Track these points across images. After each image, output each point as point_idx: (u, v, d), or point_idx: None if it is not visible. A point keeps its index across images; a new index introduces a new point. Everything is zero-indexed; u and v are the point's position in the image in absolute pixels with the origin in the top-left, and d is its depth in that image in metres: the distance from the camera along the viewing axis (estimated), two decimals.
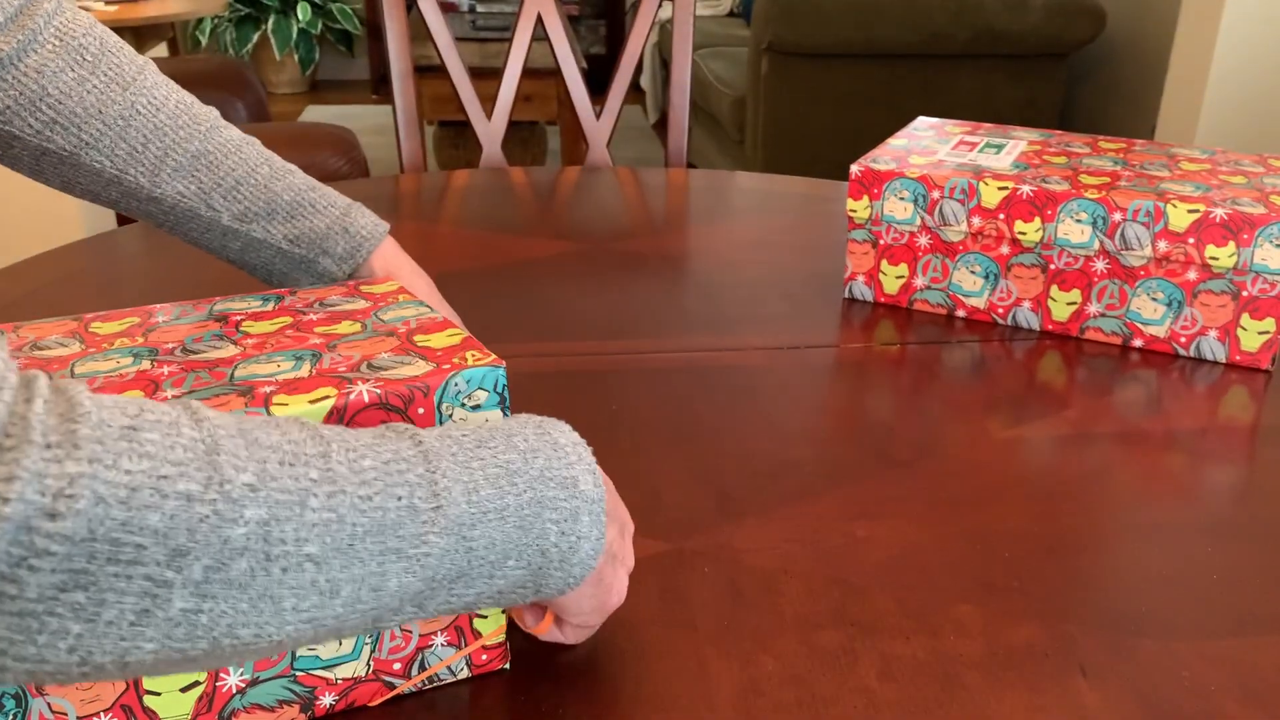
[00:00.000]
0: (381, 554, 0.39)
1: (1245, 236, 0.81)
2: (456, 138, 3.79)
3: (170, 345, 0.52)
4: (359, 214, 0.72)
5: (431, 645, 0.50)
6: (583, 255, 1.06)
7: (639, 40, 1.44)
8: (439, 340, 0.50)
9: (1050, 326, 0.91)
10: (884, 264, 0.95)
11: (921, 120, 1.08)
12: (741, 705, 0.50)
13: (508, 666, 0.53)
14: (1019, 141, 1.00)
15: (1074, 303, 0.89)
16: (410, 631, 0.49)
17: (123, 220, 2.09)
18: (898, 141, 1.00)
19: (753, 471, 0.70)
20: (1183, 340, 0.87)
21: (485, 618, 0.51)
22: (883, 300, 0.96)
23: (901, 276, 0.95)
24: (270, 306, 0.57)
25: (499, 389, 0.48)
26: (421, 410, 0.46)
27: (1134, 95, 3.15)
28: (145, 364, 0.50)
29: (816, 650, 0.54)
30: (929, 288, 0.94)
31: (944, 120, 1.08)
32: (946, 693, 0.51)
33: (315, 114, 4.89)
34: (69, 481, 0.31)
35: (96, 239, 1.07)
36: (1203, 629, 0.56)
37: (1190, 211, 0.83)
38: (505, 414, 0.49)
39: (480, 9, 4.42)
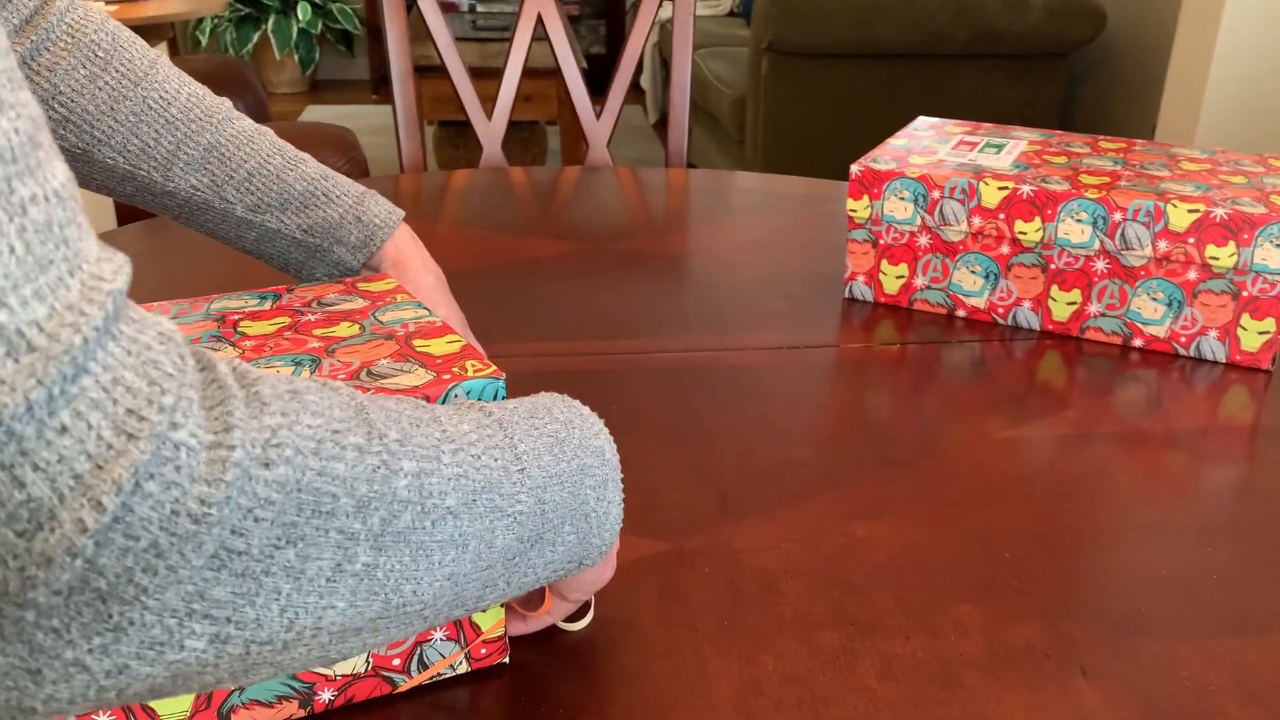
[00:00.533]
0: (491, 511, 0.41)
1: (1245, 236, 0.81)
2: (456, 138, 3.79)
3: None
4: (373, 202, 0.71)
5: (431, 640, 0.50)
6: (583, 255, 1.06)
7: (639, 40, 1.44)
8: (438, 347, 0.50)
9: (1050, 326, 0.91)
10: (884, 264, 0.95)
11: (921, 120, 1.08)
12: (741, 705, 0.50)
13: (507, 660, 0.53)
14: (1019, 141, 1.00)
15: (1074, 303, 0.89)
16: None
17: (123, 220, 2.10)
18: (898, 141, 1.00)
19: (753, 471, 0.70)
20: (1183, 340, 0.87)
21: (484, 611, 0.51)
22: (883, 300, 0.96)
23: (902, 276, 0.95)
24: (268, 305, 0.57)
25: (498, 400, 0.48)
26: None
27: (1134, 95, 3.15)
28: None
29: (816, 650, 0.54)
30: (929, 288, 0.94)
31: (944, 120, 1.08)
32: (946, 693, 0.51)
33: (315, 114, 4.89)
34: (271, 433, 0.32)
35: (103, 236, 1.07)
36: (1203, 629, 0.56)
37: (1190, 211, 0.83)
38: None
39: (480, 9, 4.42)
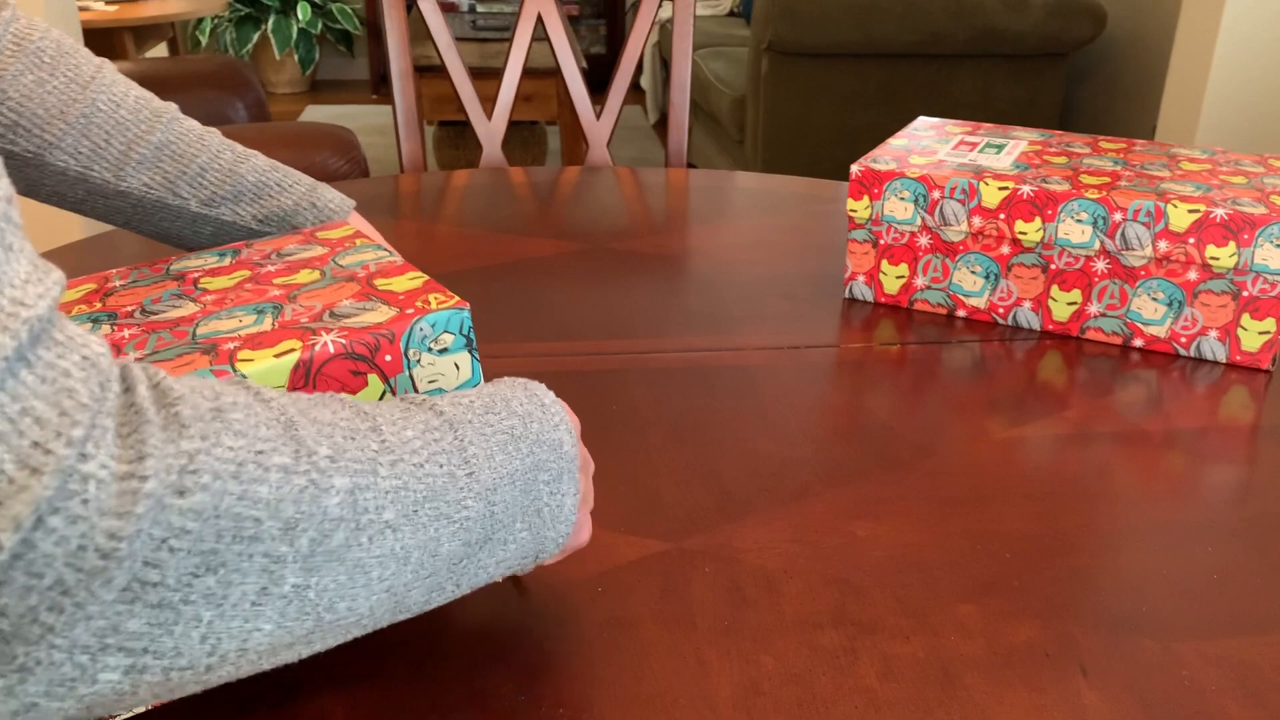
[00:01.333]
0: (435, 519, 0.40)
1: (1246, 236, 0.81)
2: (456, 138, 3.79)
3: (129, 308, 0.51)
4: (325, 191, 0.73)
5: None
6: (583, 255, 1.06)
7: (639, 40, 1.44)
8: (400, 284, 0.50)
9: (1050, 326, 0.91)
10: (884, 264, 0.95)
11: (922, 120, 1.08)
12: (741, 705, 0.50)
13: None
14: (1019, 141, 1.00)
15: (1074, 303, 0.89)
16: None
17: None
18: (898, 141, 1.00)
19: (753, 471, 0.70)
20: (1183, 340, 0.87)
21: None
22: (883, 300, 0.96)
23: (902, 276, 0.95)
24: (228, 261, 0.56)
25: (465, 331, 0.47)
26: (389, 357, 0.46)
27: (1134, 95, 3.15)
28: (105, 328, 0.49)
29: (816, 650, 0.54)
30: (929, 288, 0.94)
31: (944, 120, 1.08)
32: (946, 693, 0.51)
33: (315, 114, 4.89)
34: (188, 459, 0.31)
35: (96, 239, 1.07)
36: (1203, 629, 0.56)
37: (1191, 211, 0.83)
38: (473, 355, 0.48)
39: (480, 9, 4.42)
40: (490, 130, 1.45)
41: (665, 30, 4.14)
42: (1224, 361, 0.86)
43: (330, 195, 0.73)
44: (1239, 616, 0.57)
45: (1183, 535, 0.64)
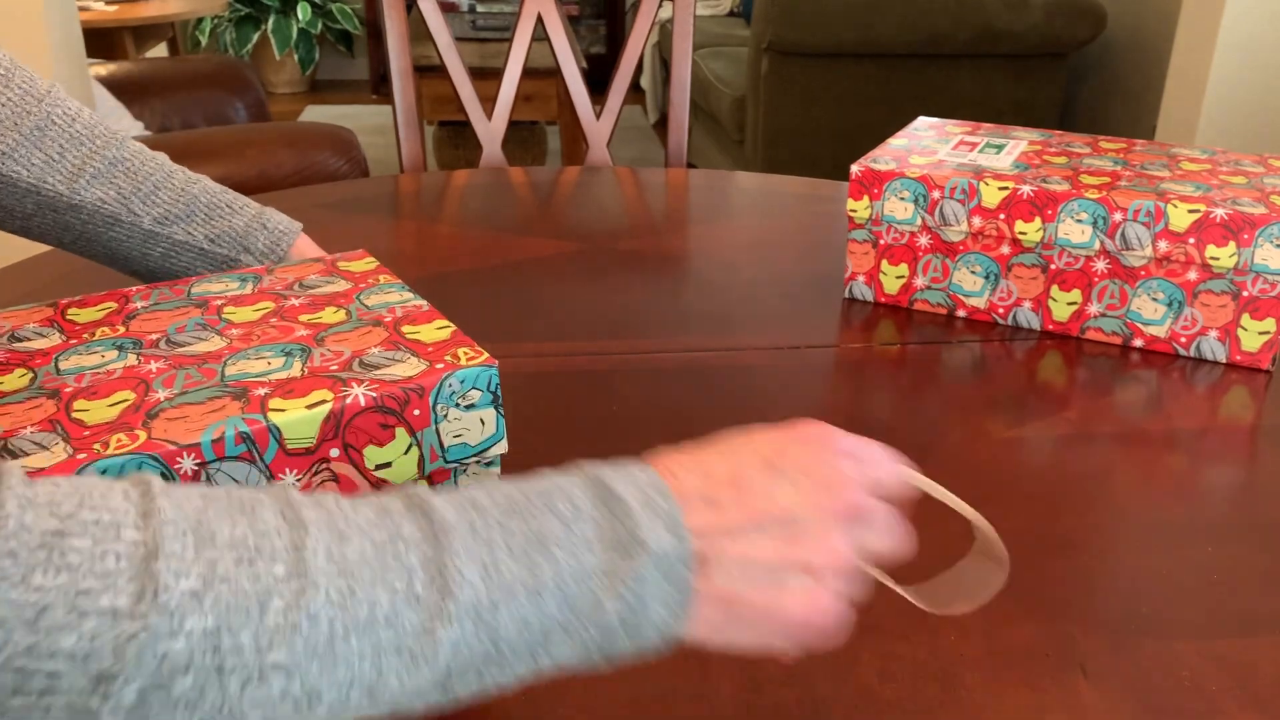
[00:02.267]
0: (374, 653, 0.34)
1: (1245, 236, 0.81)
2: (456, 138, 3.79)
3: (154, 336, 0.51)
4: (273, 212, 0.74)
5: None
6: (583, 255, 1.06)
7: (639, 40, 1.44)
8: (428, 334, 0.50)
9: (1050, 326, 0.91)
10: (884, 264, 0.95)
11: (922, 120, 1.08)
12: (742, 705, 0.50)
13: None
14: (1019, 141, 1.00)
15: (1074, 303, 0.89)
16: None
17: None
18: (898, 141, 1.00)
19: None
20: (1183, 340, 0.87)
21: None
22: (883, 300, 0.96)
23: (902, 276, 0.95)
24: (249, 289, 0.56)
25: (492, 388, 0.47)
26: (418, 412, 0.46)
27: (1134, 95, 3.15)
28: (131, 358, 0.49)
29: (816, 650, 0.54)
30: (929, 288, 0.94)
31: (944, 120, 1.08)
32: (946, 693, 0.51)
33: (315, 114, 4.89)
34: None
35: None
36: (1203, 629, 0.56)
37: (1190, 211, 0.83)
38: (499, 412, 0.48)
39: (480, 9, 4.42)
40: (490, 130, 1.45)
41: (665, 30, 4.15)
42: (1224, 361, 0.86)
43: (279, 218, 0.74)
44: (1239, 616, 0.57)
45: (1183, 535, 0.64)
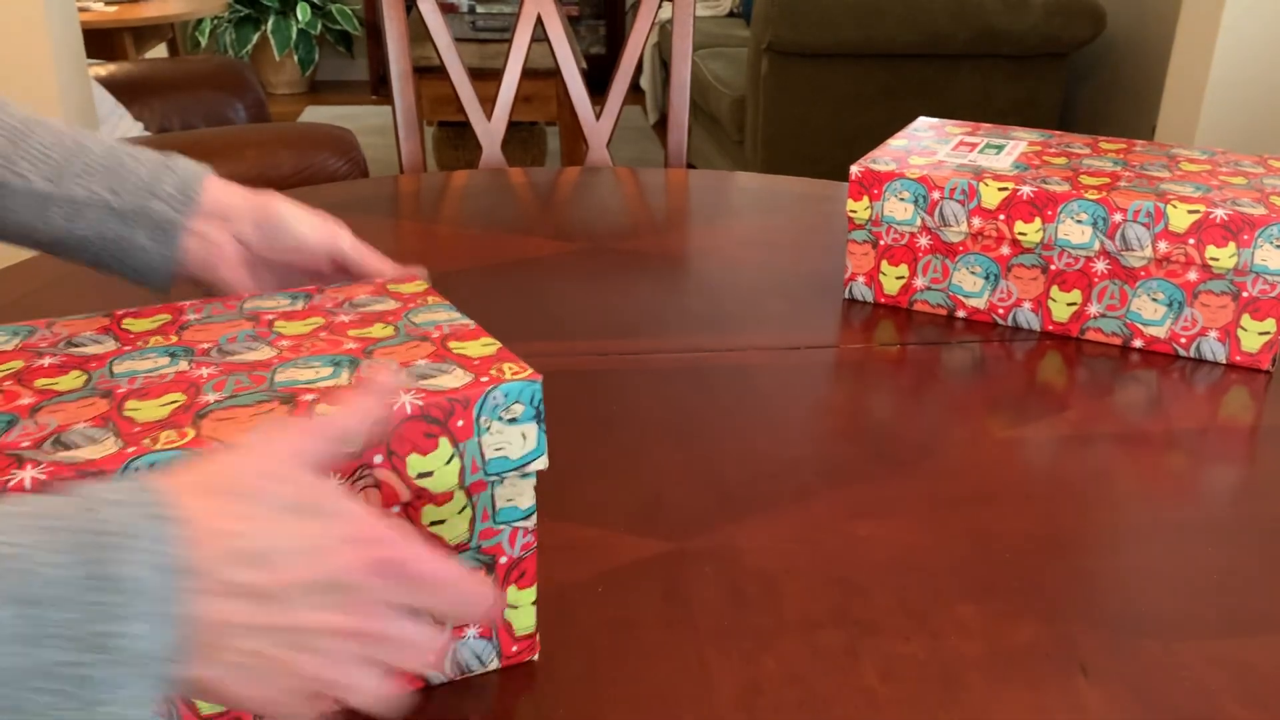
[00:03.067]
0: None
1: (1245, 237, 0.81)
2: (456, 138, 3.79)
3: (205, 345, 0.53)
4: (178, 157, 0.67)
5: (464, 638, 0.51)
6: (583, 255, 1.06)
7: (639, 40, 1.45)
8: (474, 349, 0.51)
9: (1050, 327, 0.91)
10: (884, 264, 0.95)
11: (922, 121, 1.08)
12: (741, 705, 0.50)
13: (537, 658, 0.53)
14: (1019, 142, 1.00)
15: (1074, 303, 0.90)
16: (443, 624, 0.49)
17: None
18: (898, 142, 1.00)
19: (753, 471, 0.70)
20: (1183, 341, 0.87)
21: (516, 608, 0.52)
22: (883, 301, 0.96)
23: (901, 277, 0.95)
24: (300, 306, 0.58)
25: (535, 403, 0.48)
26: (461, 423, 0.46)
27: (1134, 95, 3.15)
28: (183, 364, 0.50)
29: (817, 650, 0.54)
30: (929, 288, 0.94)
31: (944, 121, 1.08)
32: (947, 693, 0.51)
33: (315, 114, 4.89)
34: None
35: None
36: (1203, 629, 0.56)
37: (1190, 212, 0.83)
38: (540, 427, 0.48)
39: (480, 9, 4.42)
40: (490, 131, 1.45)
41: (665, 30, 4.14)
42: (1224, 362, 0.86)
43: (186, 161, 0.67)
44: (1239, 616, 0.57)
45: (1183, 535, 0.64)
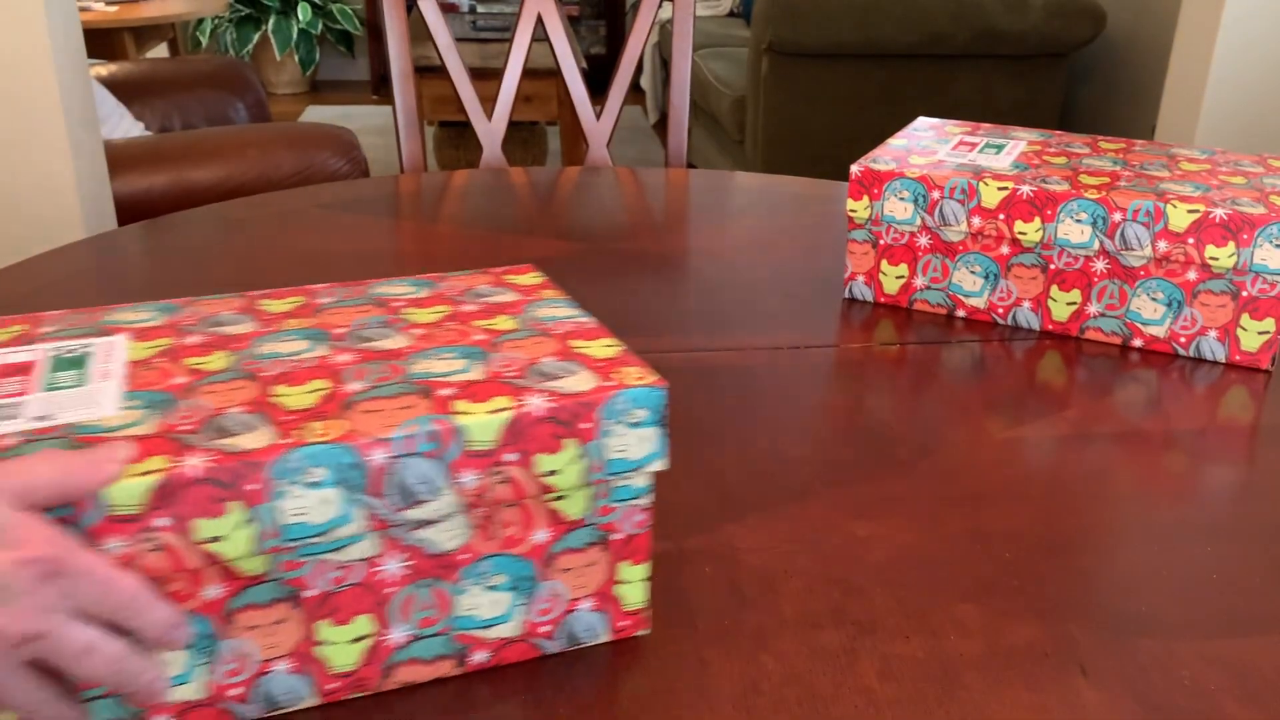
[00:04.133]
0: None
1: (1245, 237, 0.81)
2: (457, 138, 3.79)
3: (340, 330, 0.55)
4: None
5: (576, 610, 0.53)
6: (583, 255, 1.06)
7: (639, 40, 1.45)
8: (597, 350, 0.52)
9: (1050, 326, 0.91)
10: (884, 264, 0.95)
11: (921, 120, 1.08)
12: (741, 705, 0.50)
13: (649, 631, 0.55)
14: (1019, 142, 1.00)
15: (1074, 303, 0.90)
16: (560, 596, 0.52)
17: (123, 220, 2.09)
18: (898, 142, 1.00)
19: (753, 471, 0.70)
20: (1183, 340, 0.87)
21: (628, 584, 0.53)
22: (883, 300, 0.96)
23: (901, 276, 0.95)
24: (424, 293, 0.60)
25: (658, 408, 0.50)
26: (586, 425, 0.48)
27: (1134, 95, 3.15)
28: (322, 349, 0.53)
29: (816, 650, 0.54)
30: (929, 288, 0.94)
31: (944, 120, 1.08)
32: (946, 693, 0.51)
33: (315, 114, 4.89)
34: None
35: (97, 238, 1.07)
36: (1203, 629, 0.56)
37: (1190, 212, 0.83)
38: (663, 432, 0.50)
39: (480, 9, 4.42)
40: (490, 130, 1.45)
41: (665, 30, 4.15)
42: (1223, 361, 0.86)
43: None
44: (1239, 616, 0.57)
45: (1183, 535, 0.64)
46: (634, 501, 0.51)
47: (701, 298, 0.97)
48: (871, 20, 2.78)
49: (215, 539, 0.44)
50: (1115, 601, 0.58)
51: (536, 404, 0.47)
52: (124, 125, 2.46)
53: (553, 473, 0.48)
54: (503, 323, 0.55)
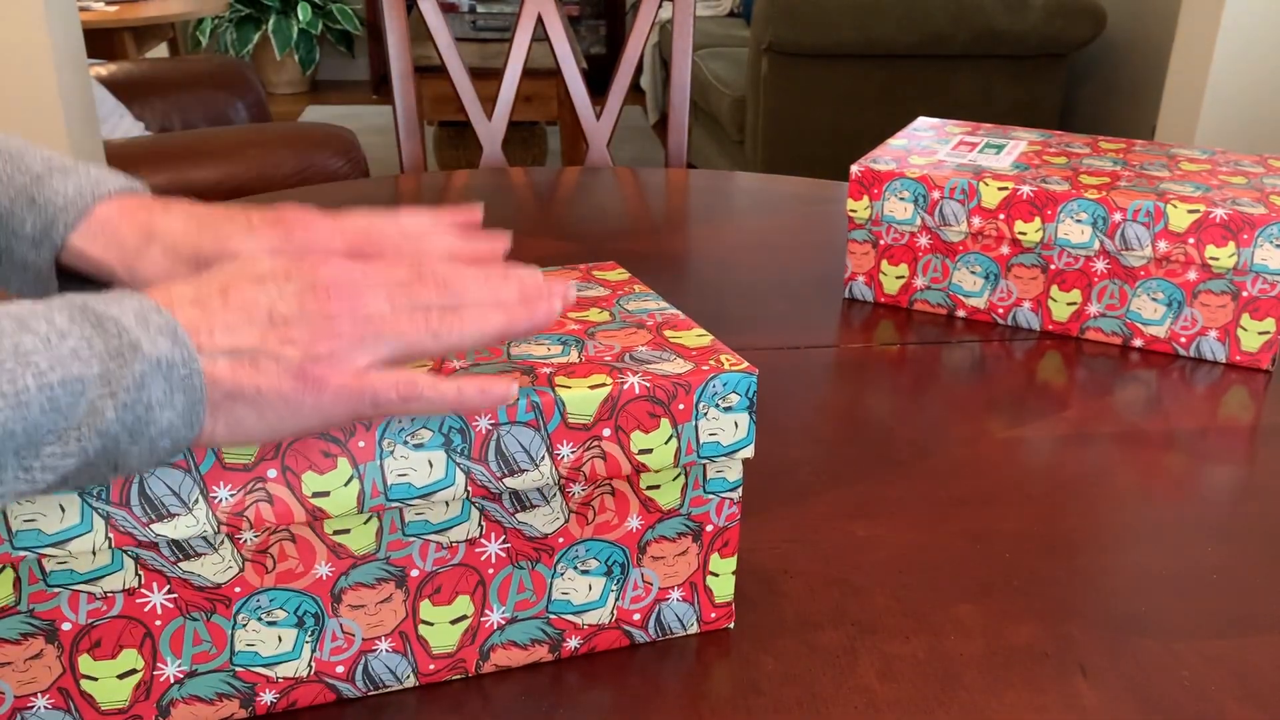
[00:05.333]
0: None
1: (1245, 237, 0.81)
2: (457, 138, 3.79)
3: None
4: (60, 178, 0.52)
5: (668, 600, 0.53)
6: (583, 255, 1.06)
7: (639, 40, 1.45)
8: (690, 339, 0.54)
9: (1050, 326, 0.91)
10: (884, 264, 0.95)
11: (922, 120, 1.08)
12: (742, 705, 0.50)
13: (732, 625, 0.55)
14: (1019, 142, 1.00)
15: (1074, 303, 0.90)
16: (651, 584, 0.53)
17: None
18: (898, 142, 1.00)
19: (753, 471, 0.70)
20: (1183, 340, 0.87)
21: (717, 575, 0.54)
22: (883, 300, 0.96)
23: (901, 277, 0.95)
24: None
25: (750, 395, 0.50)
26: (682, 406, 0.49)
27: (1134, 95, 3.15)
28: None
29: (816, 650, 0.54)
30: (929, 288, 0.94)
31: (944, 121, 1.08)
32: (946, 693, 0.51)
33: (315, 114, 4.89)
34: None
35: None
36: (1203, 629, 0.56)
37: (1190, 212, 0.83)
38: (752, 417, 0.51)
39: (480, 9, 4.42)
40: (490, 130, 1.45)
41: (665, 30, 4.15)
42: (1224, 361, 0.86)
43: (63, 186, 0.52)
44: (1239, 616, 0.57)
45: (1183, 535, 0.64)
46: (726, 494, 0.52)
47: (701, 298, 0.97)
48: (871, 20, 2.78)
49: (323, 494, 0.45)
50: (1115, 601, 0.58)
51: (635, 382, 0.48)
52: (124, 125, 2.46)
53: (647, 451, 0.49)
54: (595, 315, 0.57)
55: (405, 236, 0.55)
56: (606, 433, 0.48)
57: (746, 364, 0.51)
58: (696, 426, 0.50)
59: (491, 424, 0.46)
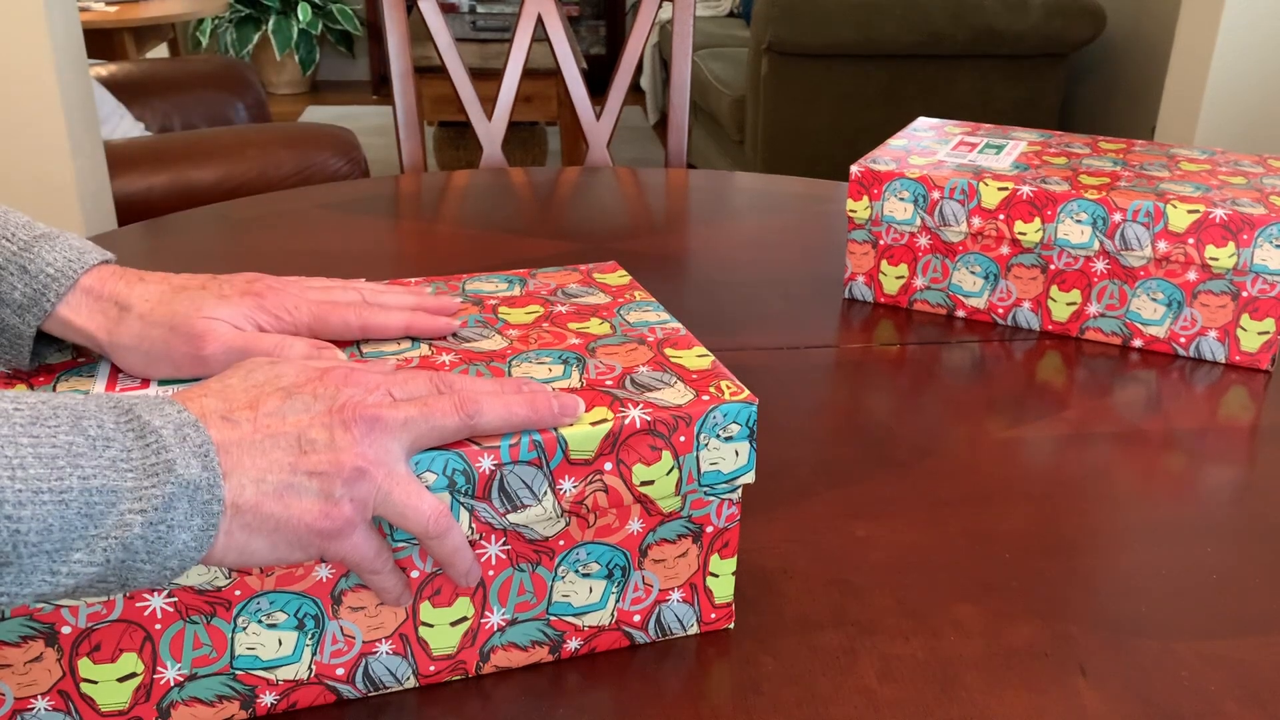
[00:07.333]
0: None
1: (1245, 237, 0.81)
2: (457, 138, 3.79)
3: None
4: (47, 247, 0.53)
5: (669, 601, 0.53)
6: (583, 255, 1.06)
7: (639, 40, 1.45)
8: (690, 360, 0.54)
9: (1050, 327, 0.91)
10: (884, 264, 0.95)
11: (921, 121, 1.08)
12: (742, 705, 0.50)
13: (733, 626, 0.55)
14: (1019, 142, 1.00)
15: (1074, 303, 0.90)
16: (651, 586, 0.53)
17: (123, 221, 2.10)
18: (898, 142, 1.00)
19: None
20: (1182, 340, 0.87)
21: (717, 576, 0.54)
22: (883, 300, 0.96)
23: (901, 277, 0.95)
24: (518, 291, 0.62)
25: (750, 424, 0.51)
26: (683, 438, 0.49)
27: (1134, 95, 3.15)
28: (424, 348, 0.55)
29: (816, 650, 0.54)
30: (929, 288, 0.94)
31: (944, 121, 1.08)
32: (946, 693, 0.51)
33: (315, 114, 4.89)
34: None
35: (97, 238, 1.07)
36: (1203, 629, 0.56)
37: (1190, 212, 0.83)
38: (752, 445, 0.51)
39: (480, 9, 4.42)
40: (490, 131, 1.45)
41: (665, 31, 4.15)
42: (1223, 362, 0.86)
43: (52, 255, 0.53)
44: (1239, 616, 0.57)
45: (1183, 535, 0.64)
46: (726, 496, 0.53)
47: (701, 298, 0.97)
48: (871, 20, 2.78)
49: None
50: (1115, 601, 0.58)
51: (635, 416, 0.48)
52: (124, 125, 2.46)
53: (648, 482, 0.50)
54: (596, 327, 0.57)
55: (366, 304, 0.57)
56: (608, 466, 0.48)
57: (747, 393, 0.51)
58: (698, 457, 0.50)
59: (495, 464, 0.46)
